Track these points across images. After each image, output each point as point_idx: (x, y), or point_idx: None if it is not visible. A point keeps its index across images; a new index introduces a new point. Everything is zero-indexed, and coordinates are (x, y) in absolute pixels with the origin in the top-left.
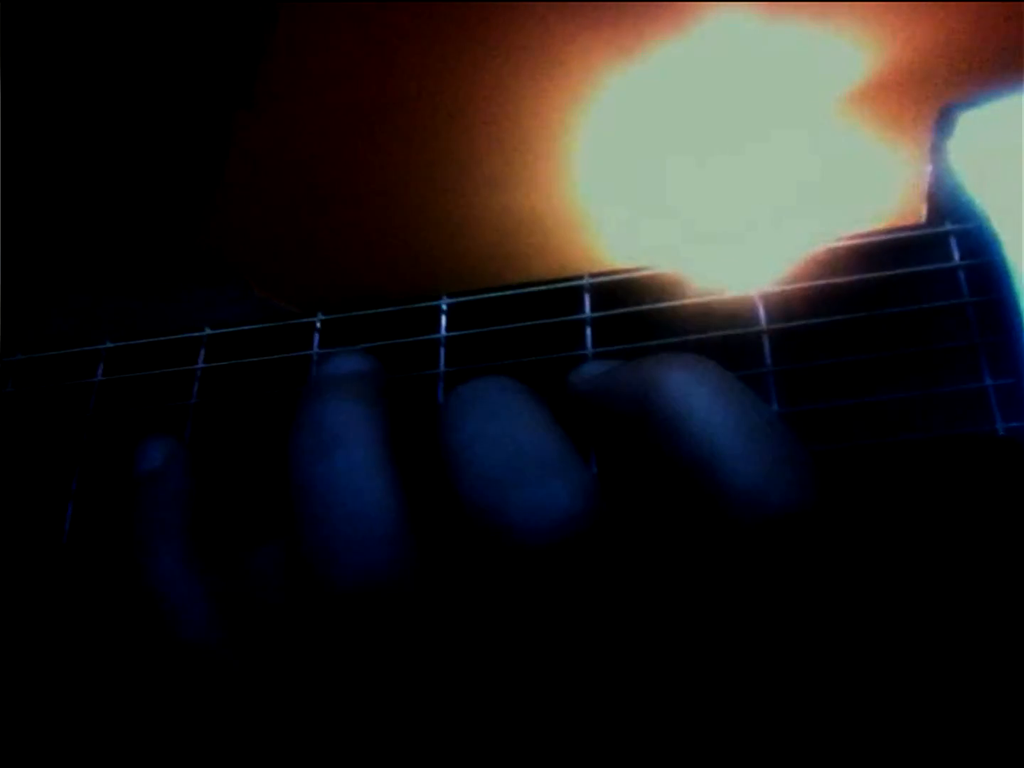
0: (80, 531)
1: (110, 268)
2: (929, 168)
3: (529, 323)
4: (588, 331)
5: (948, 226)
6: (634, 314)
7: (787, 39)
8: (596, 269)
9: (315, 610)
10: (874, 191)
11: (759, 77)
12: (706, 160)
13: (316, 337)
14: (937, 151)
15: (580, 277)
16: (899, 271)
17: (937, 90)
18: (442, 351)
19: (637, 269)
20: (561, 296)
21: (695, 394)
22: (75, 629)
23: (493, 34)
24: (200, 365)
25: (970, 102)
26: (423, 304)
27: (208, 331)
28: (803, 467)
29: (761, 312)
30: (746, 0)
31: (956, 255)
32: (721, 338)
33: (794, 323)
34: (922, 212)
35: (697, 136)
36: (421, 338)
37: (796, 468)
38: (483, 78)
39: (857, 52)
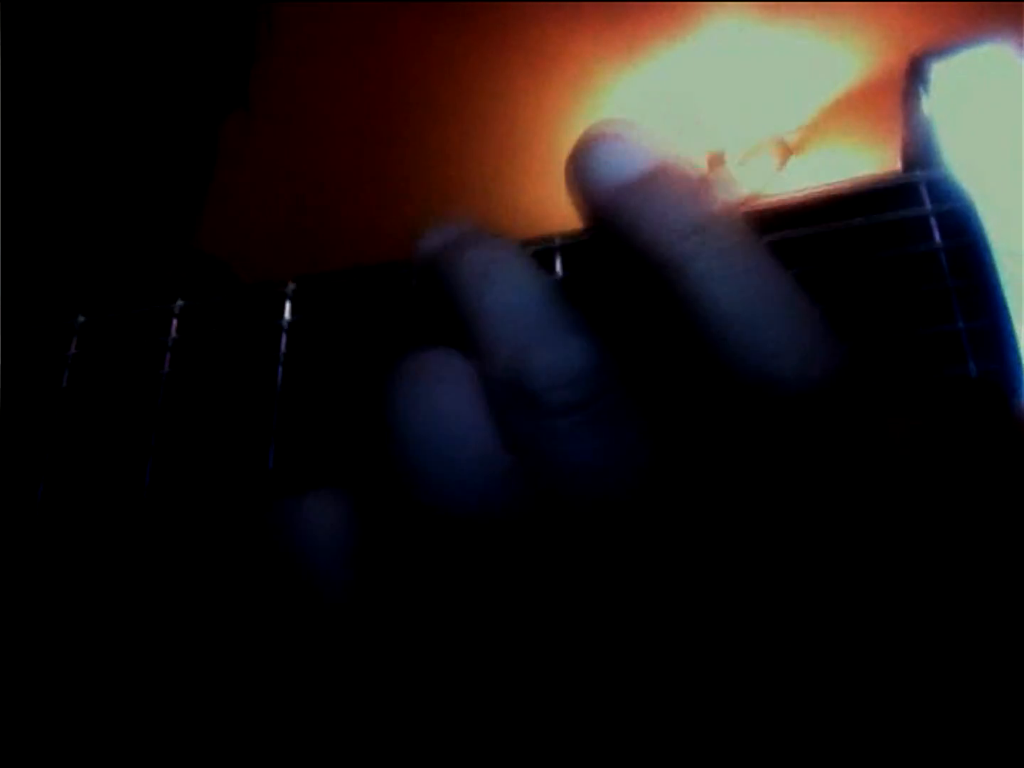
0: (52, 504)
1: (103, 273)
2: (903, 117)
3: None
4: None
5: (918, 173)
6: (605, 274)
7: (787, 39)
8: None
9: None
10: None
11: (759, 77)
12: (705, 159)
13: (288, 304)
14: (910, 100)
15: (551, 239)
16: (871, 218)
17: None
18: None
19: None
20: (533, 258)
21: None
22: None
23: (493, 35)
24: (172, 336)
25: (943, 51)
26: (397, 267)
27: (180, 303)
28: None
29: None
30: (746, 0)
31: (927, 201)
32: None
33: None
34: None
35: (696, 135)
36: (397, 299)
37: (827, 340)
38: (483, 78)
39: (857, 53)
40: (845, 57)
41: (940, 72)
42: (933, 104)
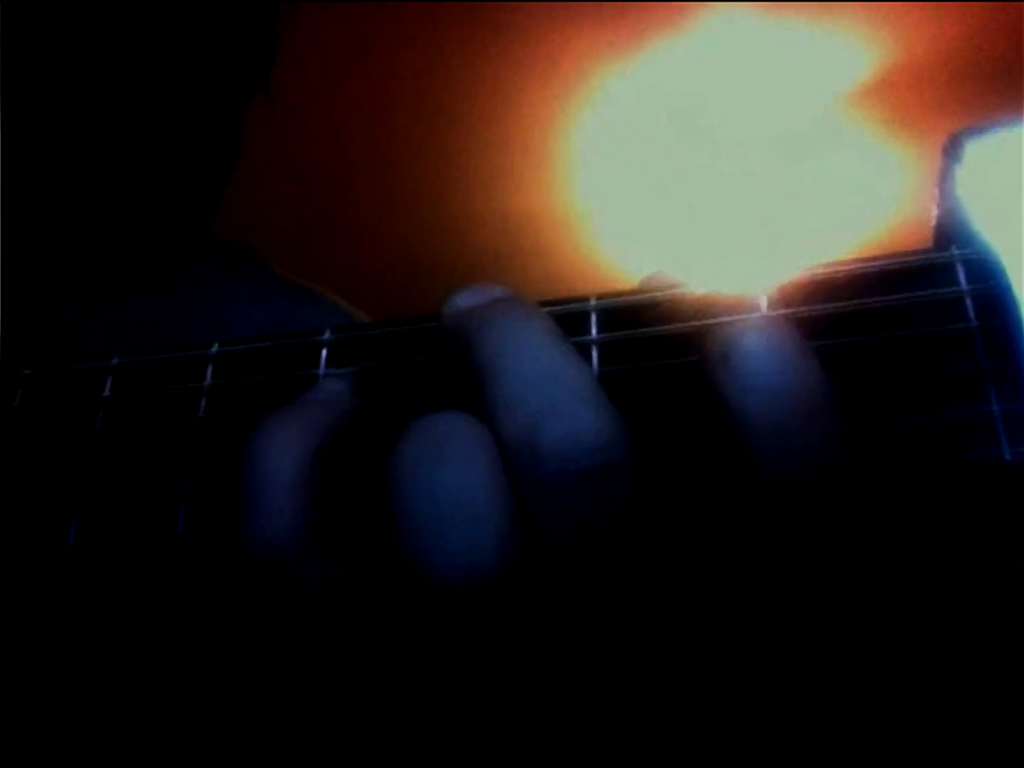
0: (86, 541)
1: (124, 260)
2: (937, 194)
3: None
4: (595, 352)
5: (955, 252)
6: (640, 335)
7: (787, 40)
8: (594, 268)
9: (411, 598)
10: (873, 192)
11: (758, 77)
12: (705, 159)
13: (324, 353)
14: (945, 177)
15: (586, 299)
16: (906, 296)
17: (939, 92)
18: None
19: (643, 292)
20: (567, 318)
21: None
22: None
23: (493, 35)
24: (208, 382)
25: (979, 130)
26: (433, 324)
27: (216, 347)
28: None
29: None
30: (746, 0)
31: (963, 281)
32: None
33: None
34: (929, 236)
35: (696, 135)
36: (429, 358)
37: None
38: (483, 79)
39: (858, 53)
40: (846, 56)
41: (975, 150)
42: (968, 182)
